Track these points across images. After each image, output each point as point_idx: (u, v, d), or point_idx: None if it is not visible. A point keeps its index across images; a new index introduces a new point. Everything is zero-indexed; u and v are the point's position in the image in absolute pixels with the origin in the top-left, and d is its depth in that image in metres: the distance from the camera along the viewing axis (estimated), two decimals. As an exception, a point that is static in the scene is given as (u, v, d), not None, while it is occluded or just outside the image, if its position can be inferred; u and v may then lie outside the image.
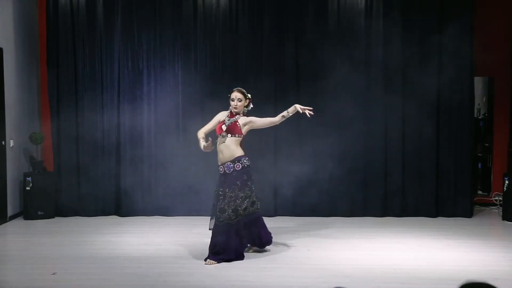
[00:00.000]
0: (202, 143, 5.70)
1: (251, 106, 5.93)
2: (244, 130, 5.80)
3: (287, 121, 7.86)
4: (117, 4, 7.91)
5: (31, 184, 7.77)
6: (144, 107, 7.95)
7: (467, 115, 7.91)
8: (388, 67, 7.88)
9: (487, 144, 8.89)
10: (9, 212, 7.70)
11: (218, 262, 5.62)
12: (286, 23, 7.92)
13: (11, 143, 7.75)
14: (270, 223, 7.59)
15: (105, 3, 7.92)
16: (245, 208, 5.72)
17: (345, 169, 7.85)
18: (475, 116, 8.42)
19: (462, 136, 7.90)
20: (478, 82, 8.57)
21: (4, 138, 7.55)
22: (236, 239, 5.73)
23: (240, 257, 5.77)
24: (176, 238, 6.74)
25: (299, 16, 7.90)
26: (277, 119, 5.91)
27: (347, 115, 7.84)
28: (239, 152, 5.72)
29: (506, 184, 7.75)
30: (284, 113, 5.87)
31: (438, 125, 7.90)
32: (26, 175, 7.85)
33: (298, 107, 5.82)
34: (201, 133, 5.85)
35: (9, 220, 7.67)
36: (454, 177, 7.92)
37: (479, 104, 8.74)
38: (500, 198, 8.17)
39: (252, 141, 7.63)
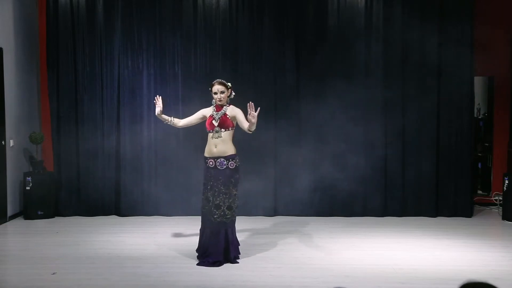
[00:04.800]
0: (162, 115, 5.80)
1: (233, 93, 5.77)
2: (234, 121, 5.69)
3: (288, 120, 7.96)
4: (117, 4, 7.91)
5: (31, 184, 7.77)
6: (144, 107, 7.95)
7: (467, 115, 7.92)
8: (388, 67, 7.89)
9: (487, 144, 8.89)
10: (9, 212, 7.70)
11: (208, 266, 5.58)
12: (286, 23, 7.93)
13: (11, 143, 7.75)
14: (270, 223, 7.62)
15: (105, 3, 7.92)
16: (234, 208, 5.70)
17: (345, 169, 7.85)
18: (475, 116, 8.42)
19: (462, 136, 7.91)
20: (478, 82, 8.57)
21: (4, 138, 7.55)
22: (226, 239, 5.67)
23: (230, 260, 5.68)
24: (176, 238, 6.74)
25: (299, 16, 7.90)
26: (247, 128, 5.45)
27: (347, 114, 7.84)
28: (233, 149, 5.65)
29: (506, 184, 7.75)
30: (250, 122, 5.39)
31: (438, 124, 7.91)
32: (26, 175, 7.84)
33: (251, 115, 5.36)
34: (177, 121, 5.90)
35: (9, 220, 7.67)
36: (454, 177, 7.93)
37: (479, 104, 8.74)
38: (500, 198, 8.17)
39: (252, 140, 7.66)
